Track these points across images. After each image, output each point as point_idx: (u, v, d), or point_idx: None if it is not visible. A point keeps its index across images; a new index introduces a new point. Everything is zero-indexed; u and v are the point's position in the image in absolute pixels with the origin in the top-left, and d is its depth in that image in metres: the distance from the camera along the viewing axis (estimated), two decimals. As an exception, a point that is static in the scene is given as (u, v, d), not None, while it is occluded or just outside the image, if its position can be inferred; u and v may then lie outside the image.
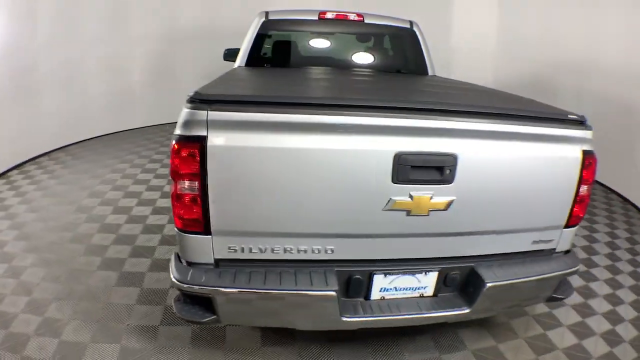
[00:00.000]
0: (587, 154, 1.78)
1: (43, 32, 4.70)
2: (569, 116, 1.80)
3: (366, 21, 3.47)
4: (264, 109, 1.46)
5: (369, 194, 1.55)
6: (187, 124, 1.44)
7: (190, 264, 1.62)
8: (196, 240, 1.57)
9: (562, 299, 2.05)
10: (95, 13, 5.36)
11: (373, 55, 3.68)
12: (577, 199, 1.83)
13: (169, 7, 6.23)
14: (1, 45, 4.19)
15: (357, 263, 1.69)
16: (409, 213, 1.58)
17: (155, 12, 6.05)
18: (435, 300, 1.81)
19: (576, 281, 2.85)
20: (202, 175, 1.46)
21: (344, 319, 1.65)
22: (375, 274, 1.70)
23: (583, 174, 1.79)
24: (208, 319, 1.62)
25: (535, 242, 1.86)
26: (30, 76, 4.63)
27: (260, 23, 3.34)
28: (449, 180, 1.58)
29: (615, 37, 4.68)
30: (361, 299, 1.75)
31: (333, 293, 1.57)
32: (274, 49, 3.53)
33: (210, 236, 1.56)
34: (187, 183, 1.48)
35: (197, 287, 1.54)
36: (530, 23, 5.87)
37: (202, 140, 1.43)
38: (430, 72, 3.57)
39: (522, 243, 1.85)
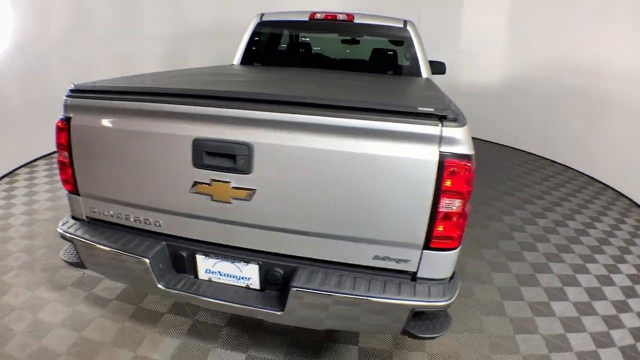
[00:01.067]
0: (451, 158, 1.45)
1: (55, 29, 4.83)
2: (419, 109, 1.48)
3: (357, 21, 3.45)
4: (105, 96, 1.77)
5: (177, 175, 1.70)
6: (63, 107, 1.85)
7: (73, 218, 2.02)
8: (73, 198, 1.96)
9: (421, 338, 1.69)
10: (109, 9, 5.48)
11: (361, 55, 3.63)
12: (440, 215, 1.53)
13: (181, 6, 6.38)
14: (14, 42, 4.32)
15: (183, 240, 1.83)
16: (212, 198, 1.67)
17: (168, 10, 6.20)
18: (258, 295, 1.80)
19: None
20: (69, 147, 1.84)
21: (160, 286, 1.79)
22: (197, 253, 1.82)
23: (444, 184, 1.47)
24: (74, 261, 2.01)
25: (378, 258, 1.64)
26: (43, 73, 4.77)
27: (255, 24, 3.59)
28: (245, 169, 1.60)
29: (625, 40, 4.49)
30: (192, 276, 1.87)
31: (146, 259, 1.75)
32: (266, 49, 3.72)
33: (80, 197, 1.93)
34: (62, 152, 1.88)
35: (61, 232, 1.94)
36: (539, 26, 5.61)
37: (69, 121, 1.82)
38: (424, 75, 3.38)
39: (358, 255, 1.66)
